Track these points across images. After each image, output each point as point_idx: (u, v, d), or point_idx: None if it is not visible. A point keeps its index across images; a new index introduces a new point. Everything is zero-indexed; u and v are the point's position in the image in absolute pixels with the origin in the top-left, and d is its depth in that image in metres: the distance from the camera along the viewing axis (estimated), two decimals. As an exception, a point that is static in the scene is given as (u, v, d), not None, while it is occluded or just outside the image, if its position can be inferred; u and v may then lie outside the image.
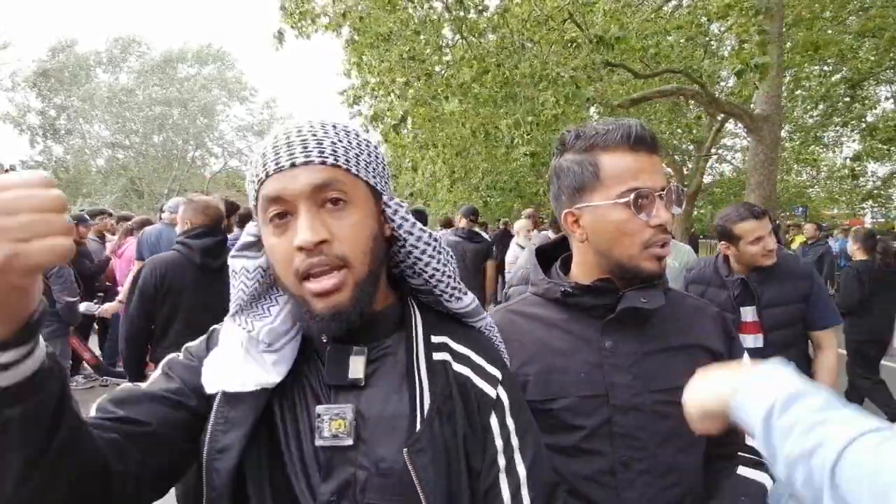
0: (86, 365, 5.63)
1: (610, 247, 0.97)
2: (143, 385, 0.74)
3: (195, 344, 0.81)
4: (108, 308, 5.02)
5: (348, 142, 0.71)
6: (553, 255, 1.16)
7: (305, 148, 0.68)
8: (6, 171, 6.01)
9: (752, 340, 2.20)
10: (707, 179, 15.69)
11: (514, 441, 0.74)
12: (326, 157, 0.68)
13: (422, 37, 6.94)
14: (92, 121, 26.17)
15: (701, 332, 1.03)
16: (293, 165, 0.67)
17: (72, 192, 25.40)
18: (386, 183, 0.77)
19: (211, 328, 0.82)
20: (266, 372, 0.71)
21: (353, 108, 8.19)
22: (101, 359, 5.64)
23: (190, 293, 2.69)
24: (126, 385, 0.75)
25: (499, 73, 6.63)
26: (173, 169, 27.11)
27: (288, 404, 0.72)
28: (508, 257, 5.99)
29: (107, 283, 6.02)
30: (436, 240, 0.78)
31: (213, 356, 0.74)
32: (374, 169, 0.74)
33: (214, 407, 0.70)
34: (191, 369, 0.75)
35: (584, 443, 0.95)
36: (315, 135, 0.70)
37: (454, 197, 11.45)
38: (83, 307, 4.80)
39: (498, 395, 0.76)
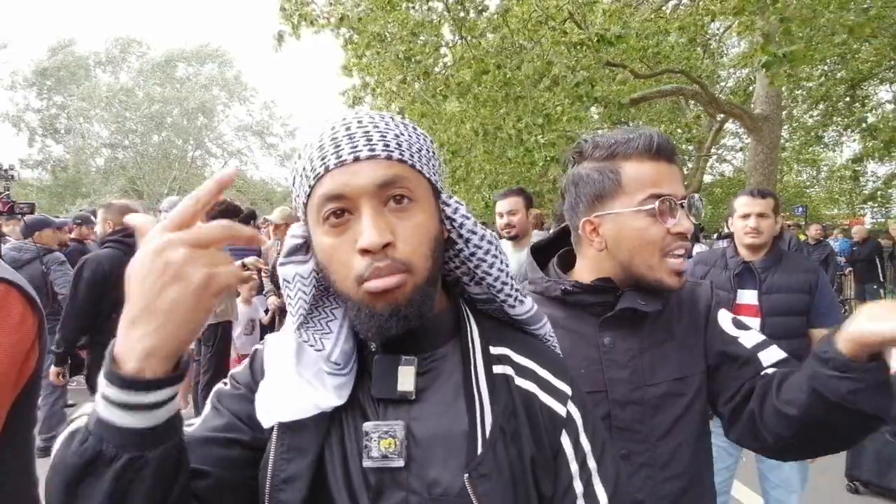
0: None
1: (631, 256, 0.97)
2: (196, 424, 0.70)
3: (239, 370, 0.76)
4: (107, 308, 5.00)
5: (408, 135, 0.66)
6: (548, 252, 1.16)
7: (369, 140, 0.62)
8: (5, 170, 6.00)
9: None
10: (707, 179, 15.72)
11: (592, 463, 0.68)
12: (392, 152, 0.63)
13: (421, 38, 6.94)
14: (91, 120, 26.18)
15: (696, 320, 1.04)
16: (356, 160, 0.62)
17: (71, 192, 25.42)
18: (441, 180, 0.71)
19: (253, 348, 0.77)
20: (323, 393, 0.66)
21: (355, 109, 8.19)
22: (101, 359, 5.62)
23: None
24: None
25: (499, 74, 6.63)
26: (173, 169, 27.12)
27: (335, 421, 0.67)
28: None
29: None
30: (492, 241, 0.72)
31: (264, 387, 0.69)
32: (433, 165, 0.68)
33: (274, 435, 0.65)
34: (239, 398, 0.71)
35: None
36: (377, 126, 0.64)
37: (457, 197, 11.46)
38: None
39: (568, 413, 0.69)
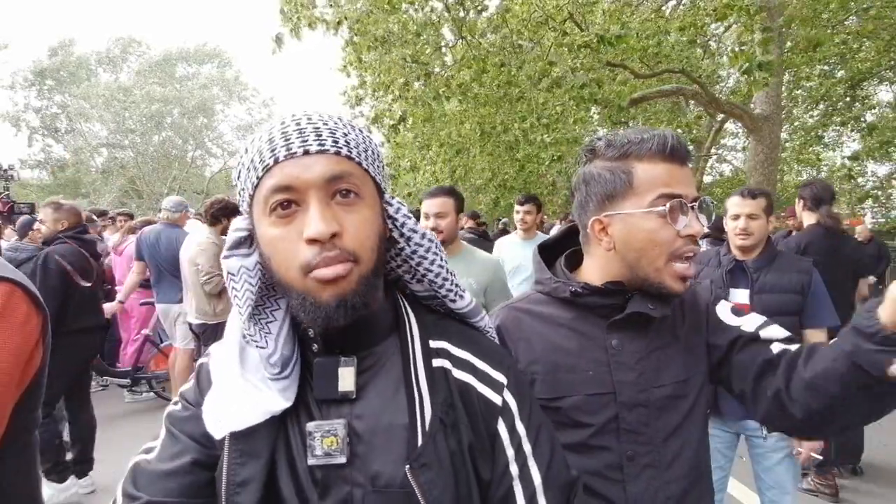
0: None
1: (638, 257, 0.96)
2: (156, 451, 0.72)
3: (187, 387, 0.77)
4: (107, 308, 5.01)
5: (355, 135, 0.68)
6: (556, 251, 1.16)
7: (319, 136, 0.65)
8: (5, 170, 6.01)
9: None
10: (707, 179, 15.70)
11: (527, 447, 0.71)
12: (340, 148, 0.65)
13: (422, 37, 6.94)
14: (91, 120, 26.16)
15: (698, 320, 1.05)
16: (306, 153, 0.63)
17: (71, 192, 25.41)
18: (386, 182, 0.74)
19: (198, 362, 0.78)
20: (270, 396, 0.67)
21: (355, 110, 8.19)
22: (101, 359, 5.63)
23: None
24: (141, 461, 0.72)
25: (499, 74, 6.63)
26: (173, 169, 27.11)
27: (282, 423, 0.69)
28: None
29: (106, 286, 6.00)
30: (433, 239, 0.75)
31: (211, 398, 0.70)
32: (378, 166, 0.71)
33: (227, 442, 0.67)
34: (190, 419, 0.72)
35: (591, 439, 0.96)
36: (326, 124, 0.66)
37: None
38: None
39: (504, 401, 0.72)
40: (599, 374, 0.98)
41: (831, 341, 0.85)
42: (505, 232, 8.79)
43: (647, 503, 0.94)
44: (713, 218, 1.01)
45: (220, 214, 4.39)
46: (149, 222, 5.79)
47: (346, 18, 6.61)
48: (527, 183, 10.48)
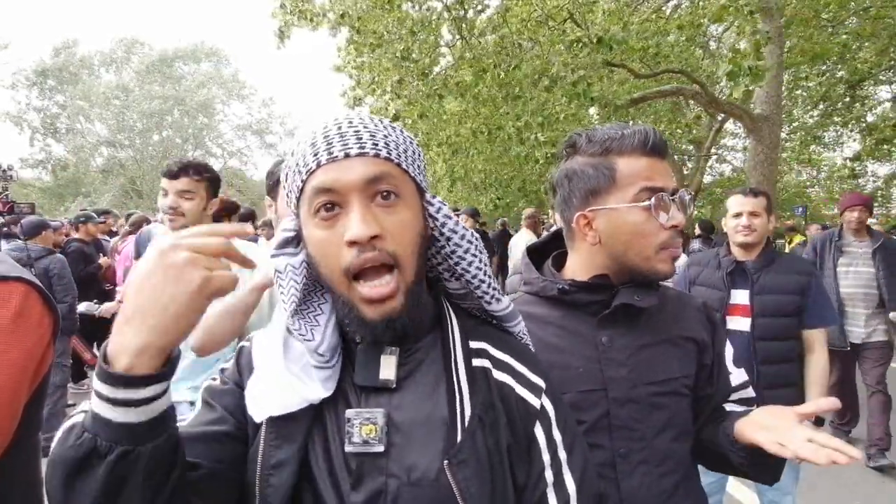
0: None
1: (625, 249, 0.99)
2: (189, 419, 0.73)
3: (228, 366, 0.79)
4: (107, 308, 5.02)
5: (396, 136, 0.70)
6: (544, 252, 1.18)
7: (360, 139, 0.66)
8: (4, 170, 6.01)
9: (735, 323, 2.23)
10: (707, 179, 15.73)
11: (562, 455, 0.72)
12: (380, 150, 0.67)
13: (420, 36, 6.94)
14: (92, 119, 26.16)
15: (687, 324, 1.06)
16: (347, 156, 0.65)
17: (71, 192, 25.42)
18: (426, 181, 0.75)
19: (239, 345, 0.80)
20: (311, 386, 0.68)
21: (355, 110, 8.20)
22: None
23: None
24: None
25: (497, 74, 6.64)
26: (173, 168, 27.06)
27: (318, 409, 0.70)
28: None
29: (106, 285, 6.01)
30: (477, 238, 0.76)
31: (253, 383, 0.72)
32: (418, 166, 0.72)
33: (264, 425, 0.68)
34: (229, 393, 0.74)
35: (584, 437, 0.96)
36: (367, 127, 0.68)
37: (454, 197, 11.48)
38: (83, 307, 4.80)
39: (542, 406, 0.73)
40: (590, 370, 0.99)
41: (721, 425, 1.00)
42: (505, 232, 8.79)
43: (641, 499, 0.95)
44: (691, 211, 1.05)
45: (219, 214, 4.40)
46: (143, 220, 5.79)
47: (347, 15, 6.61)
48: (524, 182, 10.49)
